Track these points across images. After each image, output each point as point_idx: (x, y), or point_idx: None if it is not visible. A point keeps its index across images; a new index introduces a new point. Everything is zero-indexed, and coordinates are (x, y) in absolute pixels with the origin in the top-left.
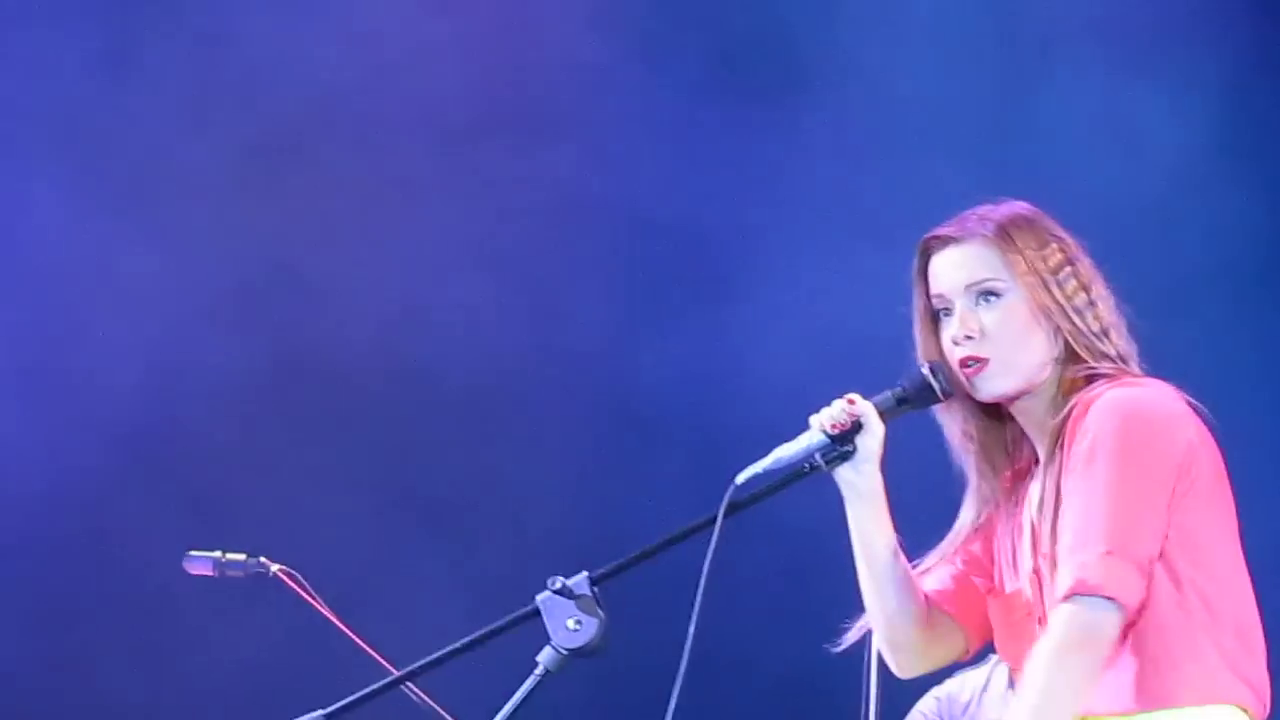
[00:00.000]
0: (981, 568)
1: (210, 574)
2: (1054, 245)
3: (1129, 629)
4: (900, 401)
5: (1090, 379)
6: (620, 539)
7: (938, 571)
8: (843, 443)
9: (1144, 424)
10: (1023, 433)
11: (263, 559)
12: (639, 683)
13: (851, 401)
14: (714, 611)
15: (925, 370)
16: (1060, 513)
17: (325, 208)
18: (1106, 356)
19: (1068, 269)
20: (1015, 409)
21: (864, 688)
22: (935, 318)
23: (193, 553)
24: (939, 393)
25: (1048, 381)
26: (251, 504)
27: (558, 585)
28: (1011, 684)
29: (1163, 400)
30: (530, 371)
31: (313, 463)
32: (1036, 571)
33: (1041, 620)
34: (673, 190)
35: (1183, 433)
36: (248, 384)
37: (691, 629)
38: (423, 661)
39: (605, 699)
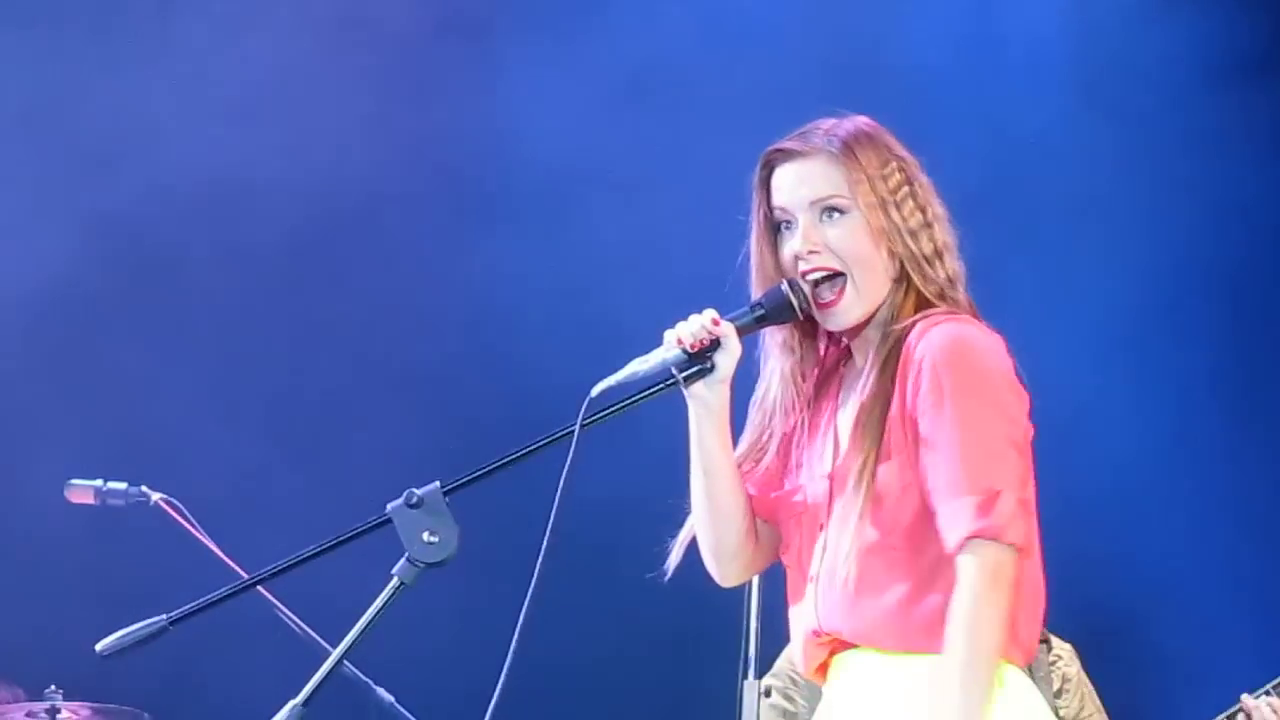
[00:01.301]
0: (786, 469)
1: (91, 502)
2: (894, 164)
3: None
4: (759, 319)
5: (921, 304)
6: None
7: (750, 477)
8: (700, 359)
9: (991, 361)
10: (835, 339)
11: (144, 488)
12: (501, 595)
13: (716, 322)
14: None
15: (785, 288)
16: (928, 449)
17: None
18: (935, 280)
19: (906, 189)
20: (852, 332)
21: (744, 622)
22: (775, 230)
23: (74, 481)
24: (798, 310)
25: (885, 301)
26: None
27: (414, 499)
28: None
29: (993, 340)
30: (381, 283)
31: (154, 374)
32: (831, 477)
33: (824, 527)
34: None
35: (1013, 373)
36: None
37: (545, 542)
38: (274, 566)
39: (466, 607)
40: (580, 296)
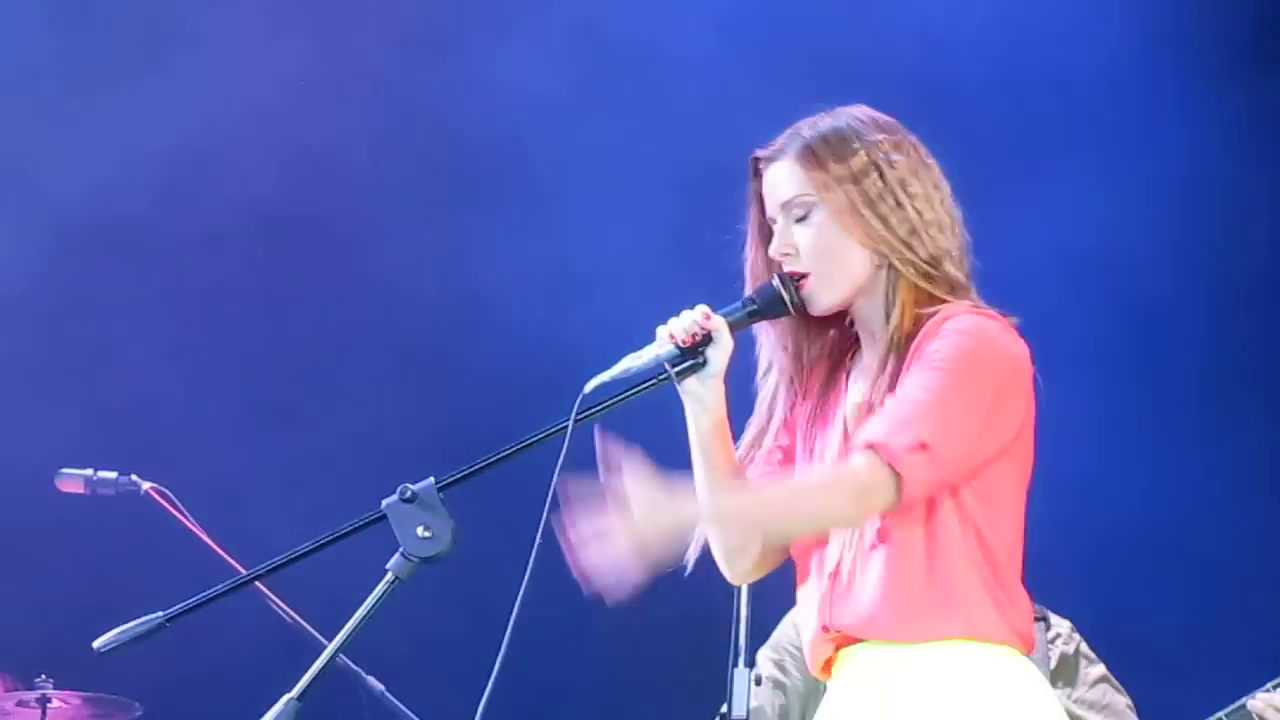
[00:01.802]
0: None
1: (82, 491)
2: (861, 152)
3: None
4: (751, 314)
5: (917, 288)
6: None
7: (759, 471)
8: (693, 355)
9: (1002, 360)
10: (842, 329)
11: (134, 476)
12: (490, 589)
13: (708, 317)
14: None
15: (776, 283)
16: (898, 392)
17: None
18: (914, 262)
19: (873, 174)
20: (852, 311)
21: (734, 610)
22: (769, 234)
23: (65, 470)
24: (789, 305)
25: (878, 284)
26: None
27: (408, 494)
28: None
29: (1015, 344)
30: (368, 267)
31: (145, 363)
32: None
33: None
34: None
35: (1025, 382)
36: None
37: (538, 538)
38: (271, 563)
39: (456, 597)
40: (564, 279)
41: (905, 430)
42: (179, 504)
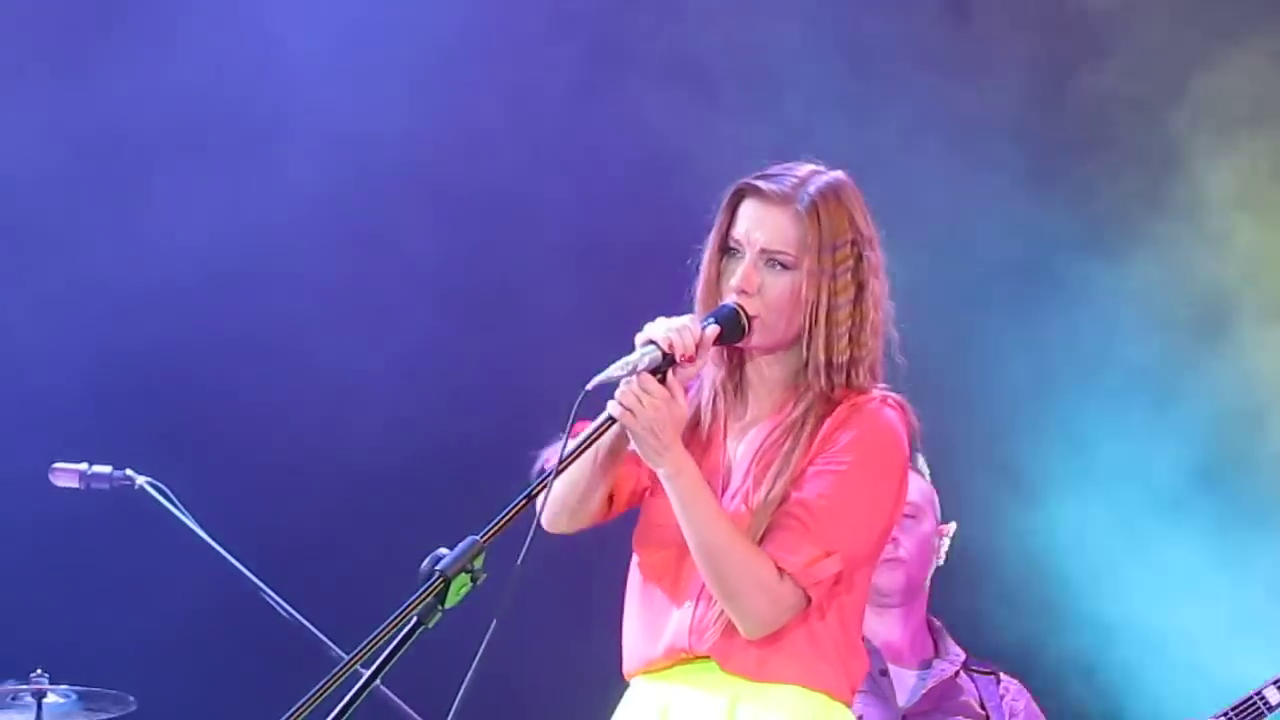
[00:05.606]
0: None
1: (76, 486)
2: (849, 238)
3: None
4: (717, 337)
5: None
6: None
7: (637, 461)
8: (672, 362)
9: (897, 451)
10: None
11: (128, 471)
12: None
13: (715, 339)
14: None
15: (737, 309)
16: (815, 473)
17: None
18: (833, 363)
19: (849, 263)
20: (754, 360)
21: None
22: (726, 250)
23: (58, 465)
24: (746, 331)
25: (793, 352)
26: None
27: (473, 572)
28: None
29: (904, 430)
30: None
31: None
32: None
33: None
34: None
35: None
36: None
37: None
38: (378, 661)
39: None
40: None
41: (817, 547)
42: (174, 499)
